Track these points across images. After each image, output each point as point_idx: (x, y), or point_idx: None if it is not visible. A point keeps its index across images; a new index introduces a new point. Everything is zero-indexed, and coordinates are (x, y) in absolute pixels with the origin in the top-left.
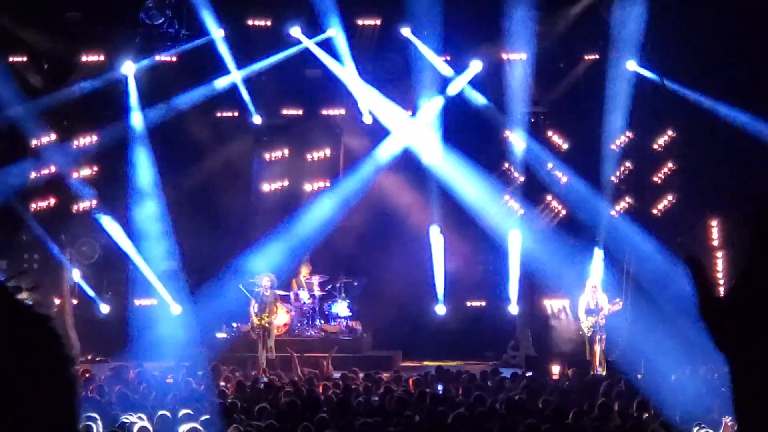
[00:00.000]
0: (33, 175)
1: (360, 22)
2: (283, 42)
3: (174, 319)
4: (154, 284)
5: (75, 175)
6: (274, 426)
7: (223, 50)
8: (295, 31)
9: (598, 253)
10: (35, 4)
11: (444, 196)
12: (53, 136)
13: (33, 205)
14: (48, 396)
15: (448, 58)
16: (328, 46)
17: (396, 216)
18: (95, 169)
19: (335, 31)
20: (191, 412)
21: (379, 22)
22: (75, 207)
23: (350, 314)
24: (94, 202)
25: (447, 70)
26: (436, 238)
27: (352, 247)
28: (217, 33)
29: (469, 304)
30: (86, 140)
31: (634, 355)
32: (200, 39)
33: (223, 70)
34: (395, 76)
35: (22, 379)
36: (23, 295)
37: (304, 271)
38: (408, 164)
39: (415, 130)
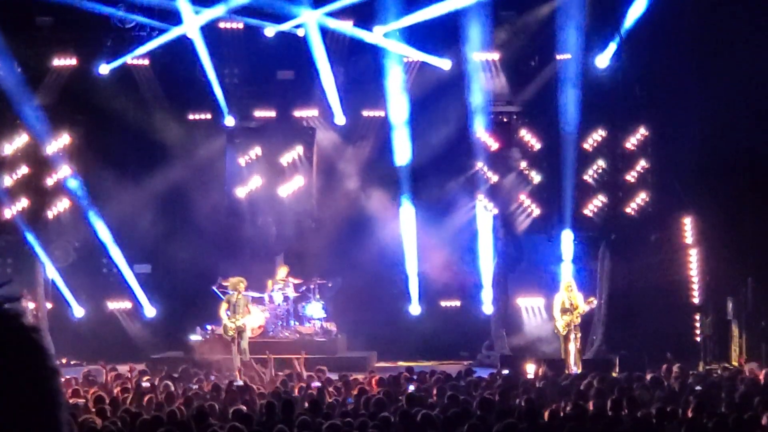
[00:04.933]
0: (7, 178)
1: (332, 24)
2: (257, 43)
3: (148, 322)
4: (129, 286)
5: (50, 176)
6: (249, 428)
7: (201, 50)
8: (269, 32)
9: (571, 252)
10: (6, 9)
11: (417, 196)
12: (25, 138)
13: (6, 209)
14: (31, 409)
15: (419, 59)
16: (301, 47)
17: (370, 217)
18: (68, 171)
19: (308, 31)
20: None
21: (351, 24)
22: (49, 209)
23: (325, 315)
24: (68, 204)
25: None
26: (410, 237)
27: (326, 249)
28: (190, 33)
29: (443, 304)
30: (59, 143)
31: (609, 354)
32: (172, 39)
33: (196, 72)
34: (367, 76)
35: (3, 391)
36: (12, 305)
37: (279, 272)
38: (380, 165)
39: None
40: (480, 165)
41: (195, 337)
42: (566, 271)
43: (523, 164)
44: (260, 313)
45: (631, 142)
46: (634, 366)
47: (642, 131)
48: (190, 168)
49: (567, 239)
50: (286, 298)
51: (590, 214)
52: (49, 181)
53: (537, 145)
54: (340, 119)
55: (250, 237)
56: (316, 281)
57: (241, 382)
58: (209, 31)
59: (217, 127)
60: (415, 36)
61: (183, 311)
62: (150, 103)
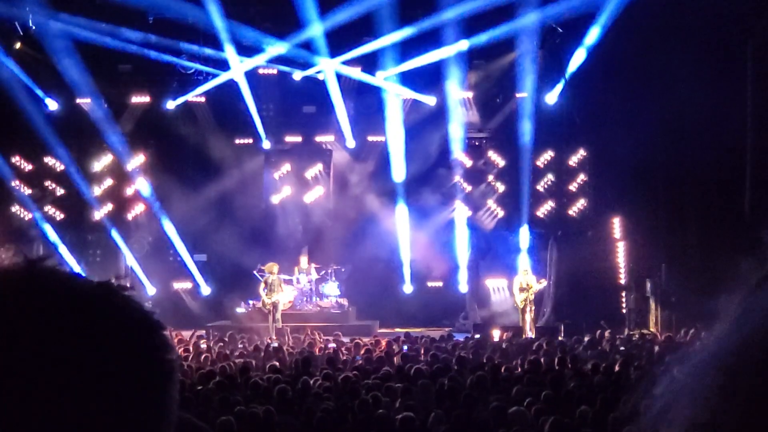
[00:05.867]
0: (96, 188)
1: (345, 70)
2: (287, 84)
3: (204, 298)
4: (190, 271)
5: (129, 186)
6: (281, 379)
7: (245, 90)
8: (297, 76)
9: (527, 244)
10: (95, 59)
11: (409, 202)
12: (110, 158)
13: (96, 212)
14: (142, 381)
15: (411, 97)
16: (321, 88)
17: (373, 218)
18: (143, 182)
19: (326, 76)
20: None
21: (359, 69)
22: (128, 212)
23: (339, 293)
24: (143, 208)
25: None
26: (404, 233)
27: (340, 242)
28: (237, 77)
29: (429, 284)
30: (136, 161)
31: (556, 322)
32: (223, 82)
33: (241, 107)
34: (371, 110)
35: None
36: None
37: (303, 260)
38: (381, 178)
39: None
40: (458, 178)
41: (240, 310)
42: (523, 259)
43: (491, 177)
44: (290, 291)
45: (573, 161)
46: (575, 331)
47: (582, 152)
48: (236, 180)
49: (524, 234)
50: (309, 280)
51: (542, 216)
52: (129, 191)
53: (501, 163)
54: (350, 143)
55: (282, 233)
56: (332, 267)
57: (275, 344)
58: (251, 75)
59: (257, 149)
60: (407, 79)
61: (231, 290)
62: (205, 130)
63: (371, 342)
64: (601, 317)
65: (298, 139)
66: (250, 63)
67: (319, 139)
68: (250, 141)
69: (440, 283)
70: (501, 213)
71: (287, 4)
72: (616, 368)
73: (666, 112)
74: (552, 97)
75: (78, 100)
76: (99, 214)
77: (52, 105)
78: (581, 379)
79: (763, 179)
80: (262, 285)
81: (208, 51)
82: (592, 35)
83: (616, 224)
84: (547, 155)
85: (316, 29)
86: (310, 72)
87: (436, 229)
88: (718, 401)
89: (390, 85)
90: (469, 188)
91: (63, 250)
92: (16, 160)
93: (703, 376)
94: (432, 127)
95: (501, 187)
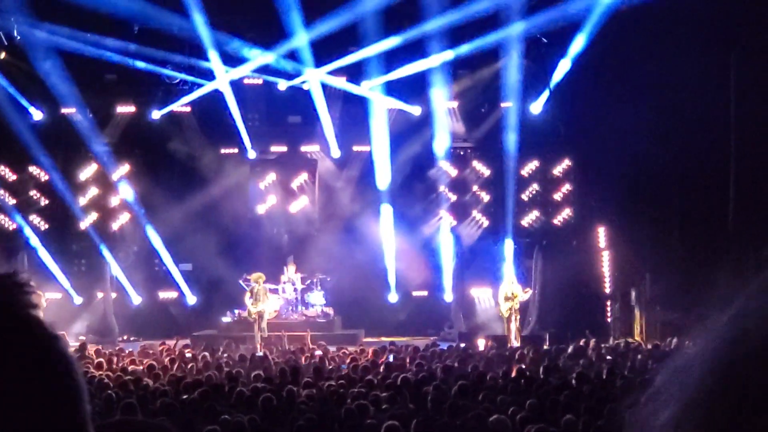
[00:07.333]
0: (82, 198)
1: (330, 80)
2: (273, 94)
3: (190, 307)
4: (175, 280)
5: (114, 196)
6: (266, 388)
7: (230, 100)
8: (282, 86)
9: (512, 254)
10: (80, 68)
11: (394, 212)
12: (95, 167)
13: (81, 222)
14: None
15: (396, 106)
16: (306, 98)
17: (359, 227)
18: (129, 192)
19: (311, 86)
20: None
21: (344, 79)
22: (113, 222)
23: (325, 302)
24: (128, 217)
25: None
26: (389, 242)
27: (325, 251)
28: (222, 87)
29: (414, 293)
30: (122, 171)
31: (541, 331)
32: (208, 92)
33: (226, 117)
34: (356, 120)
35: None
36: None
37: (288, 270)
38: (366, 188)
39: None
40: (443, 188)
41: (226, 319)
42: (508, 268)
43: (476, 187)
44: (276, 300)
45: (558, 170)
46: (560, 340)
47: (566, 162)
48: (221, 190)
49: (509, 244)
50: (295, 289)
51: (527, 225)
52: (114, 200)
53: (486, 172)
54: (336, 153)
55: (267, 242)
56: (318, 276)
57: (261, 353)
58: (236, 85)
59: (242, 159)
60: (393, 88)
61: (216, 299)
62: (191, 140)
63: (357, 351)
64: (586, 326)
65: (284, 148)
66: (236, 73)
67: (304, 148)
68: (236, 151)
69: (425, 293)
70: (486, 222)
71: (273, 14)
72: (603, 376)
73: (651, 121)
74: (537, 107)
75: (63, 110)
76: (84, 223)
77: (37, 115)
78: (566, 388)
79: (746, 190)
80: (248, 294)
81: (194, 61)
82: (577, 45)
83: (601, 233)
84: (532, 165)
85: (301, 39)
86: (295, 82)
87: (421, 239)
88: (712, 397)
89: (375, 95)
90: (454, 198)
91: (48, 259)
92: (0, 169)
93: (697, 373)
94: (417, 136)
95: (486, 197)
